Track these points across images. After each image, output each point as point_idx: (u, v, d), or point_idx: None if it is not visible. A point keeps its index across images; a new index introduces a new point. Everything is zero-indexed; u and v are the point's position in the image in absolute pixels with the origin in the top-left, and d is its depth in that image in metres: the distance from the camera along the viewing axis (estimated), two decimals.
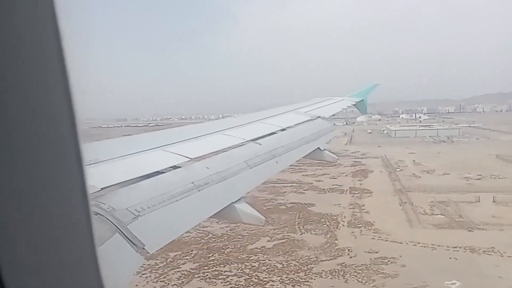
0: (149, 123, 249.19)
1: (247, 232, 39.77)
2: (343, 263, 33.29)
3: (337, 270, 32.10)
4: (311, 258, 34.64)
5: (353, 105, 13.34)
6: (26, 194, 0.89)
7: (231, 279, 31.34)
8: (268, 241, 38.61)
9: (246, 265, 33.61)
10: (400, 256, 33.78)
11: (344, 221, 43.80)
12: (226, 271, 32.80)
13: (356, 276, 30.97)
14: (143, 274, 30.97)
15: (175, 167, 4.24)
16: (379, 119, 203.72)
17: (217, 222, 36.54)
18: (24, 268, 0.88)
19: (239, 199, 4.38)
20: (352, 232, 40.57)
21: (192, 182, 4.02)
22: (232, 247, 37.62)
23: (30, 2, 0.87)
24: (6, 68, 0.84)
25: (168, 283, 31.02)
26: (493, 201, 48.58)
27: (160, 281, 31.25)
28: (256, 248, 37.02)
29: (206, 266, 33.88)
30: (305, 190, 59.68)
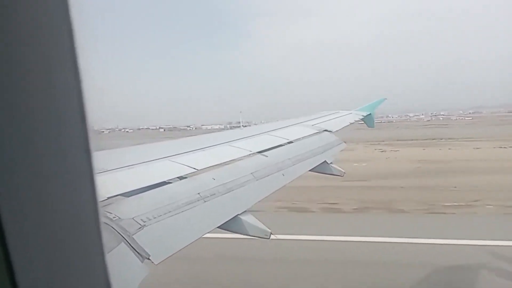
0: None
1: None
2: None
3: None
4: None
5: (361, 119, 13.31)
6: (39, 200, 0.88)
7: None
8: None
9: None
10: None
11: None
12: None
13: None
14: None
15: (181, 178, 4.22)
16: None
17: None
18: (37, 273, 0.87)
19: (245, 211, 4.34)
20: None
21: (198, 193, 4.00)
22: None
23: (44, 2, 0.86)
24: (15, 70, 0.82)
25: None
26: None
27: None
28: None
29: None
30: None
